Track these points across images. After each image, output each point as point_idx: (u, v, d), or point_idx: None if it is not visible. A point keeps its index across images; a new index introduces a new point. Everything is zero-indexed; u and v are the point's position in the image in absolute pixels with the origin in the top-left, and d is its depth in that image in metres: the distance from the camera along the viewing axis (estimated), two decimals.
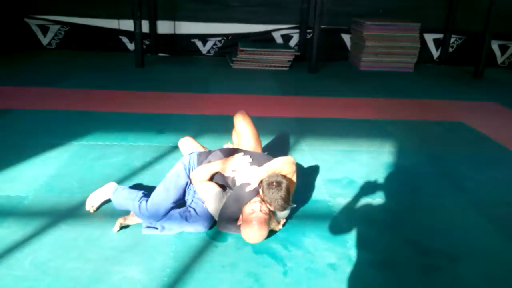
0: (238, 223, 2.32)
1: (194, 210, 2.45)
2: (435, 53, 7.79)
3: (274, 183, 2.28)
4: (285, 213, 2.45)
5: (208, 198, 2.41)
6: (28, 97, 4.79)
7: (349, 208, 2.78)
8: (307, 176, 3.19)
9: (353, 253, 2.33)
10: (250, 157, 2.49)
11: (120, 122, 4.13)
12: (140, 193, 2.51)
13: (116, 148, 3.51)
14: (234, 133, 2.93)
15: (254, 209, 2.26)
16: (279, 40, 7.66)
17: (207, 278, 2.07)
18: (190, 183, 2.53)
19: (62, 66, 6.31)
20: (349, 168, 3.36)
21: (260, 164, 2.43)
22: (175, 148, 3.54)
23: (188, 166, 2.55)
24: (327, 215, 2.68)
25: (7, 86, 5.17)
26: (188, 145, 2.91)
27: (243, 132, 2.72)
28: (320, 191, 2.97)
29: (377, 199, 2.92)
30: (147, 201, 2.45)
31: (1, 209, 2.54)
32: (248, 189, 2.33)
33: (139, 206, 2.42)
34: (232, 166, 2.43)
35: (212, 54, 7.69)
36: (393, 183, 3.17)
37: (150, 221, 2.39)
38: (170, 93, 5.22)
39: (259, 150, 2.75)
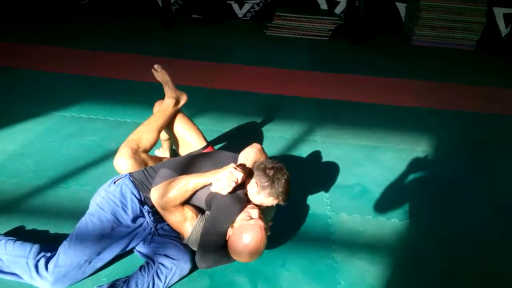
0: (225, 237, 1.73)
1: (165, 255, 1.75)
2: (504, 30, 6.61)
3: (275, 168, 1.74)
4: (272, 212, 1.91)
5: (188, 231, 1.77)
6: (36, 56, 4.44)
7: (354, 231, 2.15)
8: (308, 178, 2.57)
9: None
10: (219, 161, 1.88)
11: (118, 91, 3.67)
12: (36, 247, 1.73)
13: (98, 123, 3.06)
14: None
15: (251, 215, 1.70)
16: (324, 6, 6.84)
17: None
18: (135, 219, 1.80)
19: (85, 25, 5.93)
20: (367, 171, 2.69)
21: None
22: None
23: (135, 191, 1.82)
24: (321, 238, 2.08)
25: (19, 43, 4.86)
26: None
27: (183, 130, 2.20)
28: (321, 202, 2.35)
29: (394, 219, 2.26)
30: (55, 256, 1.70)
31: None
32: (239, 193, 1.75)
33: (35, 265, 1.67)
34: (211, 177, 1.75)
35: (248, 19, 7.04)
36: (421, 199, 2.48)
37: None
38: (188, 61, 4.67)
39: (203, 142, 2.21)
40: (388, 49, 5.84)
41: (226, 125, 3.16)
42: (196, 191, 1.74)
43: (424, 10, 5.87)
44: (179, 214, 1.75)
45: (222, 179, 1.67)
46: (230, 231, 1.71)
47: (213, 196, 1.72)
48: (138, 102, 3.47)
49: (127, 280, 1.65)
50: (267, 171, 1.73)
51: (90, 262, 1.71)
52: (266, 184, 1.72)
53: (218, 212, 1.71)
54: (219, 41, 5.74)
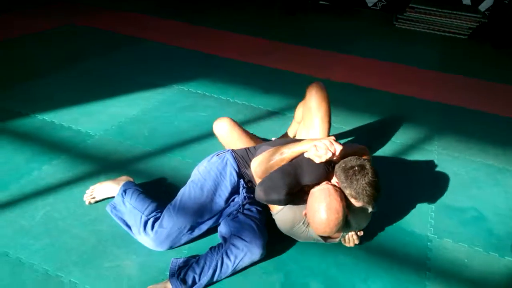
0: (302, 214, 1.70)
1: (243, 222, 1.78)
2: None
3: (356, 167, 1.61)
4: (366, 219, 1.76)
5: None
6: (165, 30, 4.78)
7: (457, 262, 1.89)
8: (414, 191, 2.33)
9: None
10: None
11: (233, 71, 3.77)
12: (153, 205, 1.86)
13: (209, 101, 3.17)
14: (299, 108, 2.27)
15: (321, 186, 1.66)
16: (467, 1, 6.15)
17: None
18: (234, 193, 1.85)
19: (215, 3, 6.19)
20: (487, 195, 2.34)
21: None
22: (270, 114, 3.04)
23: (236, 163, 1.88)
24: (415, 261, 1.86)
25: (152, 16, 5.28)
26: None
27: (317, 112, 2.02)
28: (424, 220, 2.11)
29: (510, 258, 1.93)
30: (160, 217, 1.80)
31: (64, 143, 2.47)
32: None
33: (145, 222, 1.78)
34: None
35: (378, 8, 6.66)
36: None
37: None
38: (307, 49, 4.59)
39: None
40: None
41: (332, 119, 3.02)
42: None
43: None
44: None
45: (320, 146, 1.64)
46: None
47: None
48: (250, 84, 3.52)
49: (198, 258, 1.68)
50: (346, 171, 1.62)
51: (188, 230, 1.78)
52: (345, 185, 1.62)
53: (300, 161, 1.69)
54: (343, 30, 5.54)
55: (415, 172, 2.51)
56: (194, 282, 1.59)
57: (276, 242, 1.82)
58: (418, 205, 2.21)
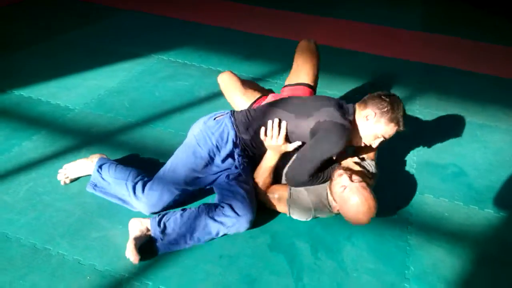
0: (335, 210, 1.74)
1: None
2: None
3: (393, 95, 1.76)
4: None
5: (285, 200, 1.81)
6: None
7: (437, 215, 1.94)
8: (397, 149, 2.36)
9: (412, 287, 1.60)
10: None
11: (214, 38, 3.70)
12: (135, 171, 1.86)
13: (191, 70, 3.12)
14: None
15: (344, 184, 1.65)
16: None
17: (191, 270, 1.62)
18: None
19: None
20: (467, 151, 2.39)
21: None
22: (252, 80, 3.00)
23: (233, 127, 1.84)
24: (397, 216, 1.92)
25: None
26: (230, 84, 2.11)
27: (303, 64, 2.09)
28: (406, 177, 2.16)
29: (489, 210, 1.99)
30: (151, 180, 1.81)
31: (43, 118, 2.43)
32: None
33: (133, 187, 1.78)
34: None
35: None
36: None
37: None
38: (287, 12, 4.50)
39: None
40: None
41: None
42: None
43: None
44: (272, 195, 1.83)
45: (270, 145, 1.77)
46: (332, 201, 1.72)
47: (319, 126, 1.70)
48: (231, 51, 3.47)
49: (185, 209, 1.71)
50: (384, 97, 1.72)
51: (180, 191, 1.79)
52: (386, 109, 1.71)
53: (322, 139, 1.69)
54: None
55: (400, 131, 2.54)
56: (173, 231, 1.65)
57: (262, 206, 1.85)
58: (401, 163, 2.25)
